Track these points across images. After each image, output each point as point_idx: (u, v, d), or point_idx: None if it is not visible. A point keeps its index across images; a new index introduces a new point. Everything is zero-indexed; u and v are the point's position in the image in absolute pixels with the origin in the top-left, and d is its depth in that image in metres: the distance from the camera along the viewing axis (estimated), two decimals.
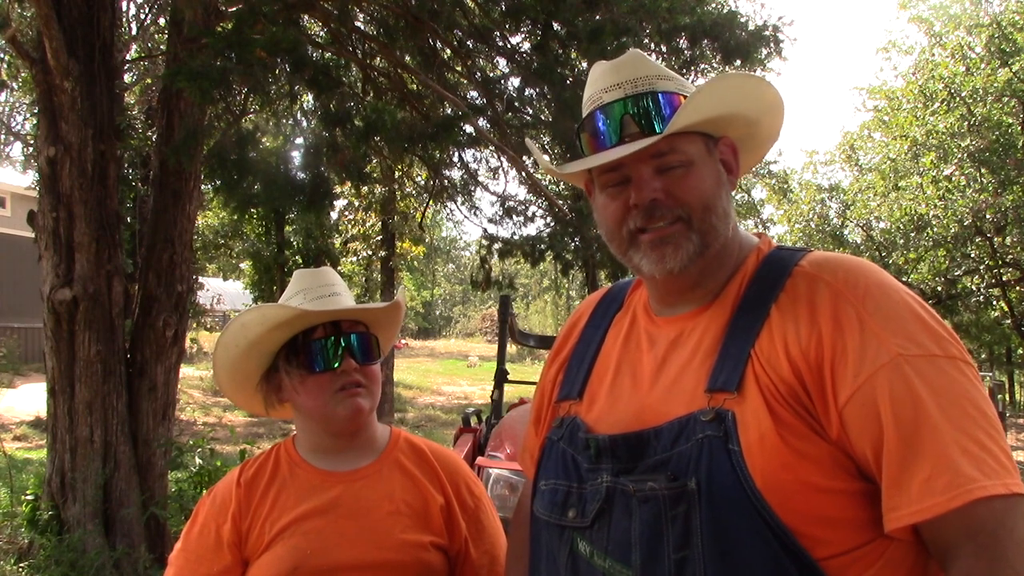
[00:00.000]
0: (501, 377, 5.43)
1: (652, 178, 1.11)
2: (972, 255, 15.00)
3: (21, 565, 4.59)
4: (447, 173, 9.01)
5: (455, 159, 8.46)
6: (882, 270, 1.08)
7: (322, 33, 7.23)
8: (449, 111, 6.25)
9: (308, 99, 7.39)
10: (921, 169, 14.97)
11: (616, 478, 1.08)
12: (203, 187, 5.85)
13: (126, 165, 8.31)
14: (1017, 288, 15.65)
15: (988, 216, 13.57)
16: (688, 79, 1.21)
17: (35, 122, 9.25)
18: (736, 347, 1.06)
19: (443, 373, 23.46)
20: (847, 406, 0.97)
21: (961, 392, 0.95)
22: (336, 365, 1.45)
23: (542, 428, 1.31)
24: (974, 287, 15.65)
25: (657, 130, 1.11)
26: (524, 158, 6.53)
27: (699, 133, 1.14)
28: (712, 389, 1.05)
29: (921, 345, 0.97)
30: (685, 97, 1.14)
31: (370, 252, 17.01)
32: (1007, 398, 22.32)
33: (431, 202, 11.01)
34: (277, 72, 5.16)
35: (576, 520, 1.12)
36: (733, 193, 1.23)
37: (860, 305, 1.01)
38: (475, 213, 9.92)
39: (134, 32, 8.51)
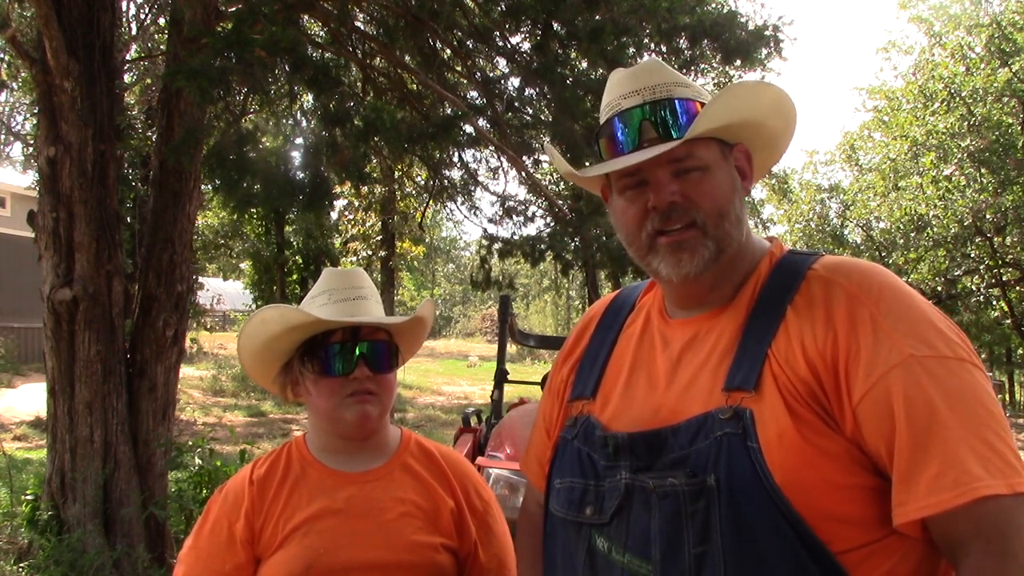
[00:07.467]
0: (501, 377, 5.43)
1: (670, 181, 1.14)
2: (972, 255, 15.01)
3: (21, 565, 4.58)
4: (447, 173, 9.01)
5: (455, 159, 8.45)
6: (894, 274, 1.11)
7: (322, 33, 7.23)
8: (449, 111, 6.24)
9: (308, 99, 7.38)
10: (921, 169, 14.98)
11: (635, 475, 1.10)
12: (203, 187, 5.85)
13: (126, 165, 8.30)
14: (1017, 288, 15.65)
15: (988, 216, 13.58)
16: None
17: (35, 122, 9.25)
18: (753, 347, 1.09)
19: (443, 373, 23.42)
20: (861, 404, 1.00)
21: (970, 393, 0.98)
22: (349, 371, 1.45)
23: (554, 429, 1.32)
24: (974, 287, 15.65)
25: (674, 136, 1.14)
26: (524, 158, 6.53)
27: (715, 139, 1.16)
28: (730, 388, 1.07)
29: (933, 347, 1.00)
30: (702, 104, 1.17)
31: (370, 252, 17.04)
32: (1007, 398, 22.31)
33: (431, 202, 11.01)
34: (277, 72, 5.16)
35: (594, 517, 1.14)
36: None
37: (874, 307, 1.04)
38: (475, 213, 9.90)
39: (134, 32, 8.49)
